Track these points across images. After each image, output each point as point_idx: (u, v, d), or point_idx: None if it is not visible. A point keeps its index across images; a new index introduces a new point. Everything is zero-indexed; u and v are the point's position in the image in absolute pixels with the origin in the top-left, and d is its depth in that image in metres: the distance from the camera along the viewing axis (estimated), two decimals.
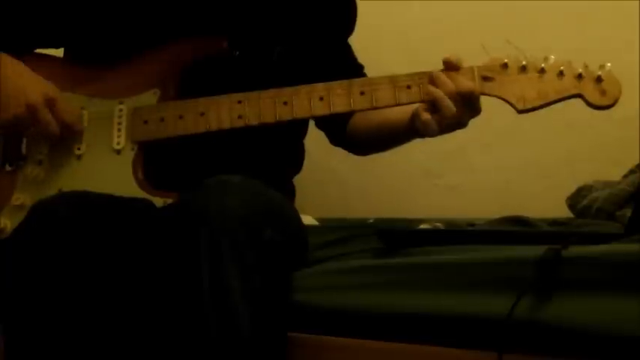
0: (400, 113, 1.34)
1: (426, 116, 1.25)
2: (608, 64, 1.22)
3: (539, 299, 1.02)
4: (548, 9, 2.05)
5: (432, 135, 1.28)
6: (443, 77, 1.25)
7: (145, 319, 1.15)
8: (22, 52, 1.41)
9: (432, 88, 1.25)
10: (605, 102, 1.21)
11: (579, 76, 1.22)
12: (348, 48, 1.56)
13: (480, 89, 1.25)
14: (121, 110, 1.36)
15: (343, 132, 1.53)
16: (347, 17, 1.54)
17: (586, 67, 1.22)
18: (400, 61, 2.12)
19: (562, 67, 1.23)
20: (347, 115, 1.48)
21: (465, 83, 1.24)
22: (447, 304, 1.10)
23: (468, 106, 1.25)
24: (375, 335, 1.14)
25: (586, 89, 1.22)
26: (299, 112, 1.29)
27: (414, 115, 1.29)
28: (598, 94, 1.21)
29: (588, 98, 1.22)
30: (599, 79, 1.21)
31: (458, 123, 1.27)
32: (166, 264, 1.14)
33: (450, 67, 1.26)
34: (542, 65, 1.23)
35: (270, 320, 1.11)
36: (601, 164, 1.98)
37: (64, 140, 1.35)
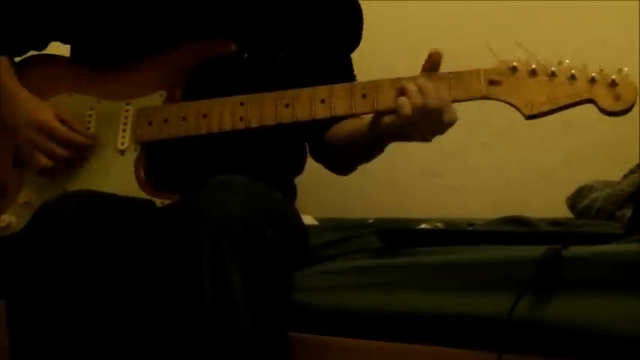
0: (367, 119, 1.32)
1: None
2: (626, 69, 1.16)
3: (539, 299, 1.02)
4: (548, 9, 2.05)
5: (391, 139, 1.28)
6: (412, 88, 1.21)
7: (146, 318, 1.16)
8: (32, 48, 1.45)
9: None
10: (618, 107, 1.14)
11: (592, 80, 1.16)
12: (349, 63, 1.56)
13: (485, 93, 1.21)
14: (127, 111, 1.37)
15: (322, 145, 1.52)
16: (352, 30, 1.53)
17: (601, 70, 1.16)
18: (400, 61, 2.12)
19: (574, 71, 1.17)
20: (325, 128, 1.47)
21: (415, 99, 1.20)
22: (447, 304, 1.10)
23: (426, 119, 1.21)
24: (375, 335, 1.14)
25: (598, 94, 1.15)
26: (300, 115, 1.28)
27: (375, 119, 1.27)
28: (611, 98, 1.15)
29: (600, 103, 1.15)
30: (613, 83, 1.15)
31: (418, 135, 1.24)
32: (168, 263, 1.14)
33: (433, 64, 1.22)
34: (554, 69, 1.18)
35: (270, 320, 1.11)
36: (601, 164, 1.98)
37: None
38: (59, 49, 1.52)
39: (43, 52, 1.52)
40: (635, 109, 1.80)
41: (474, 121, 2.10)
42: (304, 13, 1.45)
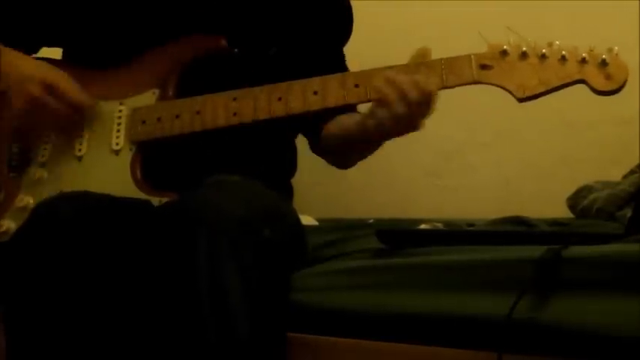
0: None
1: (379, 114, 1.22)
2: (616, 48, 1.16)
3: (539, 299, 1.02)
4: (548, 9, 2.05)
5: (381, 135, 1.27)
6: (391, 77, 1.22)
7: (143, 320, 1.15)
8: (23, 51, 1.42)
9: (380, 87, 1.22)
10: (609, 86, 1.14)
11: (583, 61, 1.16)
12: (341, 56, 1.55)
13: (477, 78, 1.21)
14: (120, 111, 1.37)
15: (319, 140, 1.50)
16: (341, 23, 1.53)
17: (591, 50, 1.16)
18: (400, 61, 2.12)
19: (564, 52, 1.17)
20: (322, 120, 1.47)
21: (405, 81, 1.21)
22: (447, 304, 1.10)
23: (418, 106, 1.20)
24: (375, 335, 1.14)
25: (589, 74, 1.15)
26: (294, 108, 1.27)
27: (367, 115, 1.27)
28: (602, 78, 1.14)
29: (592, 83, 1.15)
30: (603, 63, 1.15)
31: (409, 125, 1.24)
32: (165, 264, 1.14)
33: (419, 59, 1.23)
34: (544, 51, 1.18)
35: (268, 320, 1.11)
36: (601, 164, 1.98)
37: (72, 131, 1.37)
38: (54, 52, 1.52)
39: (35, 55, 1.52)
40: (635, 108, 1.81)
41: (474, 121, 2.11)
42: (294, 6, 1.45)
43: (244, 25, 1.41)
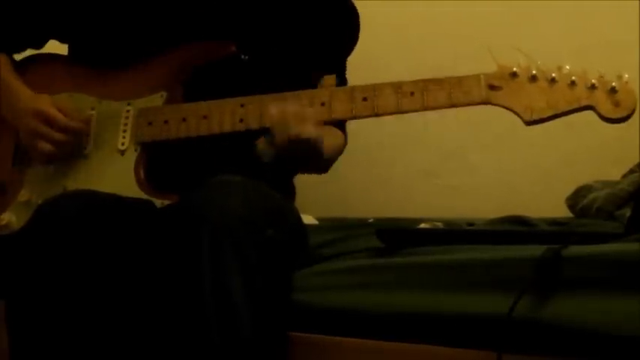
0: None
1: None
2: (626, 75, 1.14)
3: (539, 299, 1.02)
4: (548, 9, 2.05)
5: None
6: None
7: (146, 319, 1.16)
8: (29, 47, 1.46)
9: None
10: (618, 114, 1.13)
11: (592, 87, 1.15)
12: (344, 67, 1.56)
13: (486, 98, 1.20)
14: (128, 111, 1.37)
15: None
16: (348, 34, 1.53)
17: (601, 77, 1.15)
18: (400, 61, 2.12)
19: (574, 77, 1.16)
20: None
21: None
22: (447, 304, 1.10)
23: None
24: (375, 335, 1.15)
25: (598, 100, 1.14)
26: None
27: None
28: (611, 105, 1.14)
29: (600, 110, 1.14)
30: (613, 90, 1.14)
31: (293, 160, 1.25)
32: (168, 263, 1.14)
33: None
34: (554, 75, 1.17)
35: (271, 320, 1.11)
36: (600, 164, 1.98)
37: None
38: (57, 48, 1.52)
39: (42, 50, 1.53)
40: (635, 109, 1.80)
41: (475, 121, 2.11)
42: (303, 15, 1.45)
43: (254, 31, 1.42)
